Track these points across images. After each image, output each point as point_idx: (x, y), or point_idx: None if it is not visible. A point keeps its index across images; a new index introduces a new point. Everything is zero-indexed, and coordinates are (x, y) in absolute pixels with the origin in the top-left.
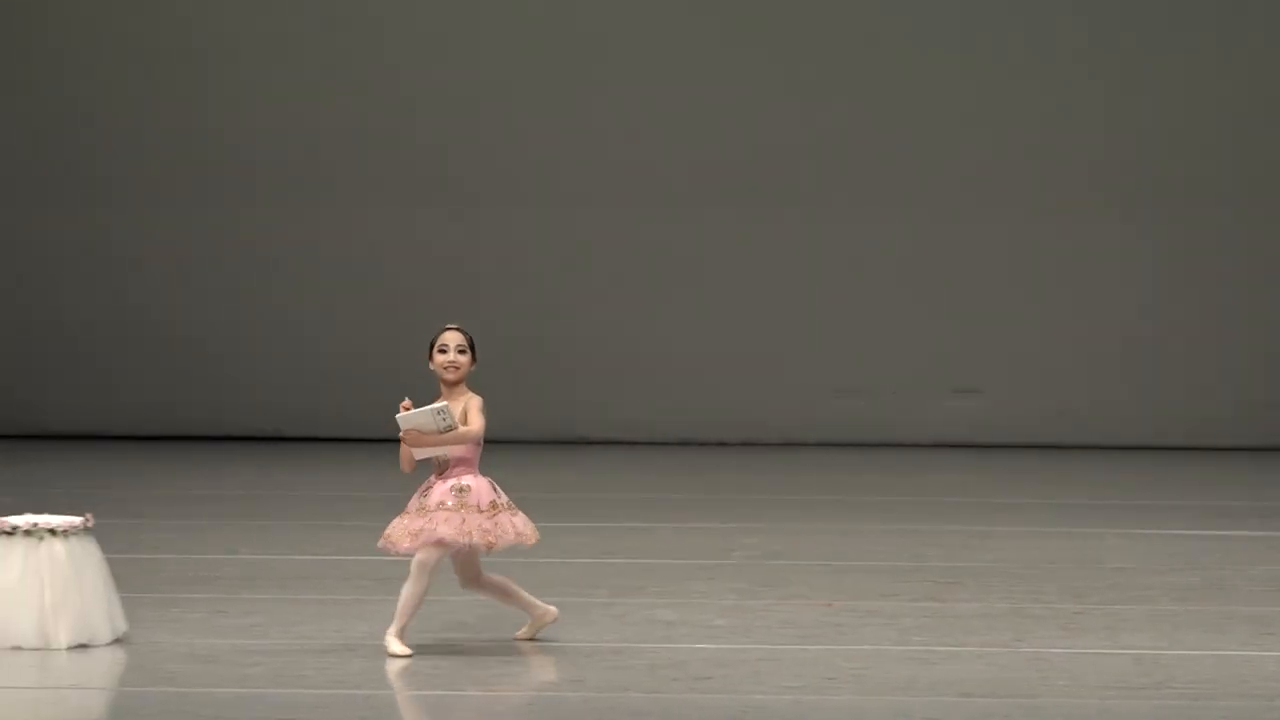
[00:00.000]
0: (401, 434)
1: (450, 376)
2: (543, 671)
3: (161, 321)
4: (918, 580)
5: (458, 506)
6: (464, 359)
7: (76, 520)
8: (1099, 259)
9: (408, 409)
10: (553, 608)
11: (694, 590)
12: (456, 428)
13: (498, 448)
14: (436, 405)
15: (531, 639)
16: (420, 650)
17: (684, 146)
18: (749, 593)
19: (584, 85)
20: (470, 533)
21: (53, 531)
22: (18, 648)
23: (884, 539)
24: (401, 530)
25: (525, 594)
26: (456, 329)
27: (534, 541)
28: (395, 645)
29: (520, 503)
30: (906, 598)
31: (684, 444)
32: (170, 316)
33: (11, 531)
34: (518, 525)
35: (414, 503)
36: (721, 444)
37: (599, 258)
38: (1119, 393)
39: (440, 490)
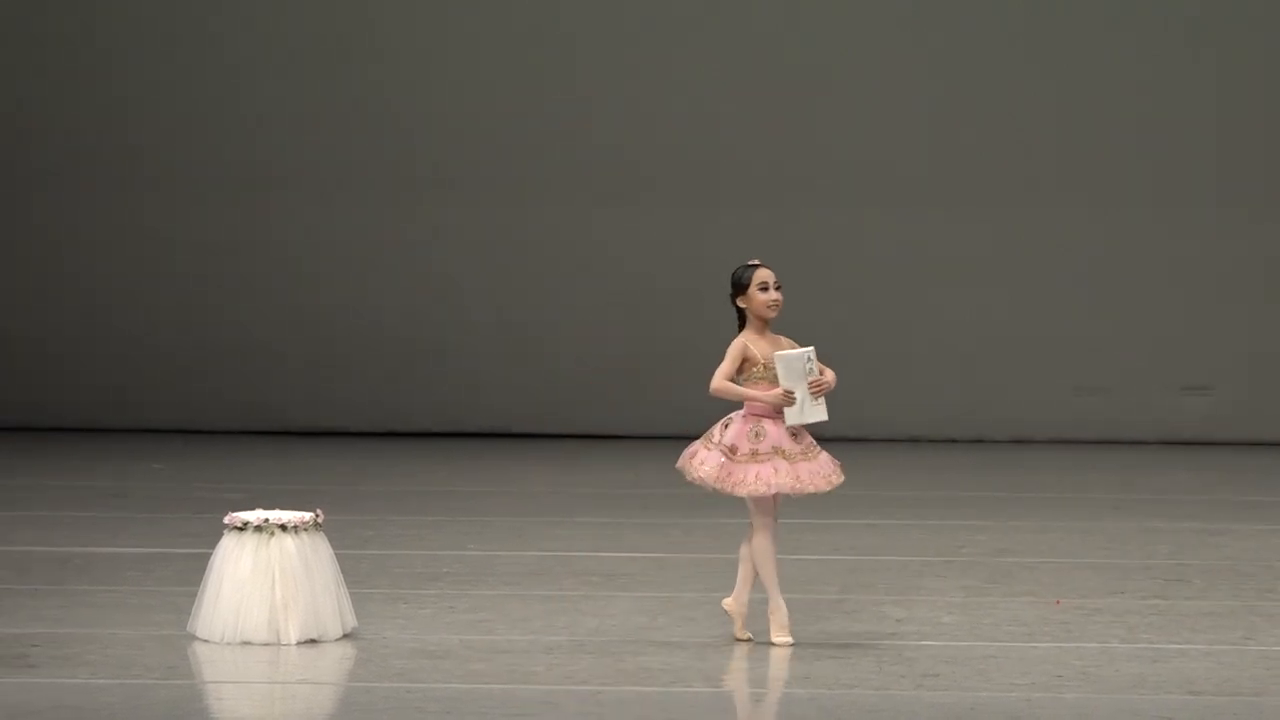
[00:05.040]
0: (782, 394)
1: (776, 314)
2: (771, 667)
3: (391, 322)
4: (1146, 578)
5: (771, 453)
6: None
7: (307, 516)
8: None
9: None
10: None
11: (923, 587)
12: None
13: None
14: (808, 349)
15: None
16: (648, 646)
17: (927, 144)
18: (977, 590)
19: (843, 90)
20: (796, 481)
21: (283, 527)
22: (248, 643)
23: (1112, 536)
24: (723, 469)
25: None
26: (768, 265)
27: (840, 481)
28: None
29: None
30: (1134, 595)
31: (914, 441)
32: (400, 318)
33: (243, 527)
34: (825, 470)
35: (736, 436)
36: (951, 441)
37: (839, 257)
38: None
39: (737, 431)
